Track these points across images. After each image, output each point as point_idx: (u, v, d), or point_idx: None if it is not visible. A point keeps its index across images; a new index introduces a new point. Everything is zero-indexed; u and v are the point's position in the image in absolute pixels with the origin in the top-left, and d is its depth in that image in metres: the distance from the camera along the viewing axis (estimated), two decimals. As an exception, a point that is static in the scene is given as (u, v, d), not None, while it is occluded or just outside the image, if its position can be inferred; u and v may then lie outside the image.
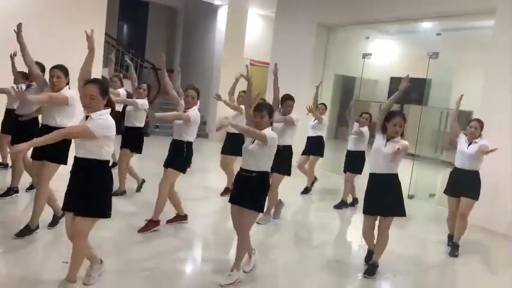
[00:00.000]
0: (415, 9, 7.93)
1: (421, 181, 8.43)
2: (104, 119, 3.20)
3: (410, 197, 8.04)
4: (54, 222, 4.70)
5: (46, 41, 9.53)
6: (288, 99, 5.75)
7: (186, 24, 15.15)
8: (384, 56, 12.40)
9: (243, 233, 3.87)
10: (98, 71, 11.77)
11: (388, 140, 4.17)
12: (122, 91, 7.17)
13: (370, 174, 4.33)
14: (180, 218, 5.30)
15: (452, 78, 10.72)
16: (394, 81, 13.22)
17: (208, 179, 8.27)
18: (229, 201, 3.96)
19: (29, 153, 5.73)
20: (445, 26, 8.61)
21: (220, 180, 7.14)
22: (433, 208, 7.66)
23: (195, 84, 5.53)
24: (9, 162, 6.28)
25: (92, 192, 3.21)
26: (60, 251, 4.11)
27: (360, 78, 10.10)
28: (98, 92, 3.18)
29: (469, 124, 5.37)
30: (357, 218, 6.38)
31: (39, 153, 4.36)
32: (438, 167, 9.65)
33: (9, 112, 6.18)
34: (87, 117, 3.21)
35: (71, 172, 3.30)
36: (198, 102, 5.07)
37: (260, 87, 12.78)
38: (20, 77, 5.82)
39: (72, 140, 3.52)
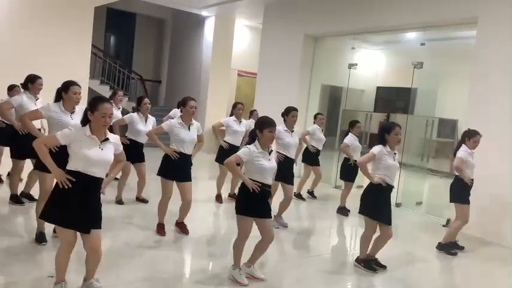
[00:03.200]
0: (400, 19, 8.06)
1: (408, 189, 8.50)
2: (115, 135, 3.55)
3: (398, 205, 8.09)
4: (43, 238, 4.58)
5: (32, 51, 9.46)
6: (294, 110, 5.89)
7: (173, 35, 15.17)
8: (369, 66, 12.57)
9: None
10: (84, 82, 11.71)
11: (394, 153, 4.58)
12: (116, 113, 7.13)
13: (389, 185, 4.59)
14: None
15: (437, 87, 10.91)
16: (380, 91, 13.41)
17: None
18: (264, 215, 4.03)
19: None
20: (429, 37, 8.78)
21: (210, 188, 7.34)
22: (420, 216, 7.69)
23: (182, 96, 5.55)
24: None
25: (100, 206, 3.39)
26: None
27: (347, 88, 10.20)
28: (112, 110, 3.37)
29: (476, 138, 5.53)
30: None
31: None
32: (425, 175, 9.76)
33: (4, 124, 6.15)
34: (103, 140, 3.29)
35: (76, 191, 3.20)
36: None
37: (248, 97, 12.84)
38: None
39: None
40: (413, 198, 8.42)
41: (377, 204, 4.59)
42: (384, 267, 4.77)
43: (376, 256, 4.80)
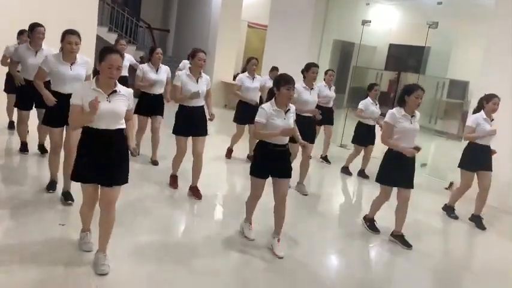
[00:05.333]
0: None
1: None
2: (129, 89, 3.36)
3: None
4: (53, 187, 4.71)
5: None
6: (314, 66, 5.74)
7: (183, -17, 14.77)
8: (383, 23, 12.22)
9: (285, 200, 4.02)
10: (92, 30, 11.56)
11: (412, 116, 4.39)
12: (128, 57, 7.03)
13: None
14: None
15: (451, 47, 10.63)
16: (392, 48, 13.11)
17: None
18: (276, 175, 3.96)
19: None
20: (447, -6, 8.46)
21: (220, 145, 7.33)
22: (424, 178, 7.66)
23: (191, 46, 5.47)
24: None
25: (126, 162, 3.32)
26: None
27: (359, 45, 9.98)
28: (122, 62, 3.20)
29: (495, 100, 5.33)
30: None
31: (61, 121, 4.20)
32: (432, 137, 9.71)
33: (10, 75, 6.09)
34: (110, 93, 3.16)
35: (92, 145, 3.19)
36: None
37: (257, 51, 12.63)
38: None
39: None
40: (418, 160, 8.38)
41: (384, 169, 4.55)
42: (409, 246, 4.54)
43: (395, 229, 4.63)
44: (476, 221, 5.48)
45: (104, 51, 3.18)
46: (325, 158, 7.87)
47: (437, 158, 9.43)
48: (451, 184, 6.95)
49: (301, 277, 3.74)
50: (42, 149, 5.91)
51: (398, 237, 4.59)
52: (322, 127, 7.65)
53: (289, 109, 3.94)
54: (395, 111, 4.38)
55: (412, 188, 4.51)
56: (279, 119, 3.85)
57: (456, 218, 5.67)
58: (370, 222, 4.88)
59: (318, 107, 5.92)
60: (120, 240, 3.71)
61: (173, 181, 5.39)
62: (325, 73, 7.61)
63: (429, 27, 7.99)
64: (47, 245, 3.57)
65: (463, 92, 10.69)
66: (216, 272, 3.61)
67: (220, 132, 7.77)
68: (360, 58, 10.40)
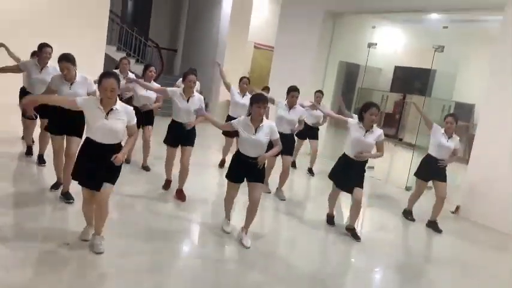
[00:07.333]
0: (424, 1, 7.85)
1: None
2: (130, 107, 3.76)
3: (408, 188, 8.07)
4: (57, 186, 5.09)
5: (49, 18, 9.45)
6: (293, 90, 6.15)
7: (191, 4, 14.99)
8: (389, 45, 12.31)
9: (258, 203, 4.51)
10: (101, 48, 11.72)
11: (367, 131, 4.91)
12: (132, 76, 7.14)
13: (346, 156, 5.07)
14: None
15: (457, 70, 10.68)
16: (398, 71, 13.18)
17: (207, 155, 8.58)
18: (249, 180, 4.44)
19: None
20: (452, 19, 8.54)
21: (217, 157, 7.96)
22: (430, 201, 7.55)
23: (198, 65, 5.65)
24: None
25: (116, 166, 3.68)
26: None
27: (365, 66, 10.05)
28: (117, 85, 3.57)
29: (446, 119, 5.87)
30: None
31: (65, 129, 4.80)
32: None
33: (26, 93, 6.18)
34: (108, 112, 3.58)
35: (88, 154, 3.66)
36: (199, 84, 5.34)
37: (263, 70, 12.73)
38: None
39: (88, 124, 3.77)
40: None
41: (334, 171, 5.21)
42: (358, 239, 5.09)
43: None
44: (433, 226, 5.98)
45: (101, 75, 3.62)
46: (309, 170, 8.23)
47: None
48: (458, 208, 6.89)
49: (261, 265, 4.25)
50: (40, 159, 6.09)
51: (350, 230, 5.16)
52: (307, 141, 8.17)
53: (260, 125, 4.33)
54: (356, 123, 4.99)
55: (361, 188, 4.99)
56: (248, 133, 4.31)
57: (413, 220, 6.21)
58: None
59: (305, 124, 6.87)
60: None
61: (166, 184, 5.88)
62: (314, 93, 7.87)
63: (435, 50, 8.04)
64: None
65: (469, 114, 10.68)
66: (197, 255, 4.29)
67: (220, 150, 8.03)
68: (365, 80, 10.46)
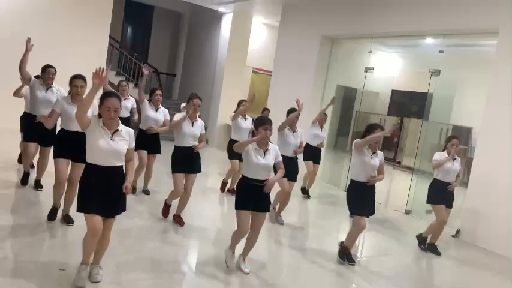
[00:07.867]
0: (419, 26, 7.96)
1: (420, 196, 8.38)
2: (131, 129, 3.68)
3: (408, 212, 8.02)
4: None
5: (51, 41, 9.56)
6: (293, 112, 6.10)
7: (190, 30, 15.19)
8: (385, 69, 12.46)
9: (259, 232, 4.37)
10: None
11: (373, 153, 4.83)
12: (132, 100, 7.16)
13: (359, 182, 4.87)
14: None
15: (454, 94, 10.77)
16: (395, 94, 13.30)
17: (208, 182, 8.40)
18: (255, 209, 4.24)
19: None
20: (447, 43, 8.66)
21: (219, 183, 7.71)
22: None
23: (196, 90, 5.68)
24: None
25: (122, 194, 3.58)
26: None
27: (362, 90, 10.13)
28: (119, 105, 3.51)
29: (452, 141, 5.77)
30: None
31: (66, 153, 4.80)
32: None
33: (28, 116, 6.18)
34: (114, 132, 3.50)
35: (95, 181, 3.48)
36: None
37: (261, 94, 12.81)
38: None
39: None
40: (423, 206, 8.30)
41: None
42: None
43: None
44: (432, 249, 5.88)
45: (103, 95, 3.53)
46: (304, 190, 8.07)
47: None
48: (458, 231, 6.84)
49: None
50: (37, 184, 6.04)
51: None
52: (311, 163, 7.89)
53: (268, 149, 4.24)
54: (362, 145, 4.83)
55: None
56: (257, 156, 4.16)
57: (425, 250, 5.95)
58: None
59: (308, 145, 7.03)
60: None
61: (165, 210, 5.66)
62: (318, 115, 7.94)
63: (432, 74, 8.13)
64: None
65: (467, 137, 10.73)
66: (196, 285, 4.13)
67: (222, 174, 7.92)
68: (362, 103, 10.53)
